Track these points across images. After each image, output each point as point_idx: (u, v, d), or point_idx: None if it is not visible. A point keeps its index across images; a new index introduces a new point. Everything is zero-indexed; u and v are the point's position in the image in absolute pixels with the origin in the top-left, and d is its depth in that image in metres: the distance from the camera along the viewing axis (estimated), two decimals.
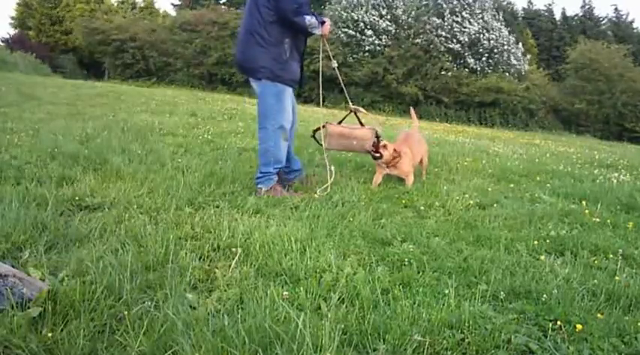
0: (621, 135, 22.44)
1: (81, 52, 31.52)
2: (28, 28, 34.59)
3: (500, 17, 25.29)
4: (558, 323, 1.84)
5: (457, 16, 23.59)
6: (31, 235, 2.34)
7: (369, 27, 23.66)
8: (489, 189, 4.22)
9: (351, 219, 3.01)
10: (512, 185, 4.52)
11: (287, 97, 3.64)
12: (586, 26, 35.24)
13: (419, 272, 2.27)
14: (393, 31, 24.07)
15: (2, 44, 31.75)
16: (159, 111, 9.04)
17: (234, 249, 2.34)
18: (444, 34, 23.34)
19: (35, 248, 2.21)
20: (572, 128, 23.24)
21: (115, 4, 36.57)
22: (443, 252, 2.56)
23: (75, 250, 2.24)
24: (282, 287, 2.04)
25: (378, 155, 3.95)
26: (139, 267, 2.09)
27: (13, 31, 35.63)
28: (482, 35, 23.43)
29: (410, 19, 24.76)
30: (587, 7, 37.19)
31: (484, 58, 23.61)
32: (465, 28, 23.29)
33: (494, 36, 23.57)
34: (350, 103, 4.03)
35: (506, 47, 23.84)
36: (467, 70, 23.54)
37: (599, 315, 1.92)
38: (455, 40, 23.28)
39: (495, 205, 3.65)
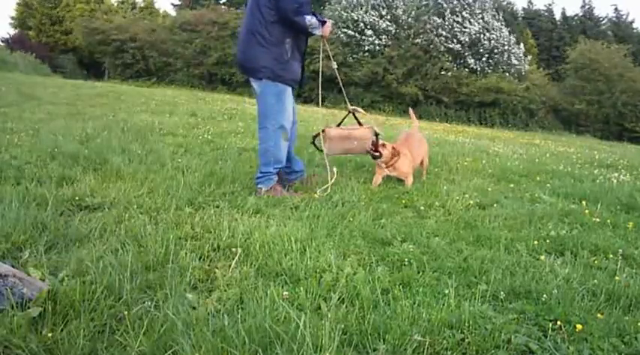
0: (621, 135, 22.45)
1: (81, 52, 31.52)
2: (28, 28, 34.59)
3: (500, 17, 25.30)
4: (558, 323, 1.84)
5: (457, 16, 23.60)
6: (31, 235, 2.34)
7: (369, 27, 23.66)
8: (489, 189, 4.22)
9: (351, 219, 3.01)
10: (512, 185, 4.52)
11: (287, 97, 3.64)
12: (586, 26, 35.24)
13: (419, 272, 2.27)
14: (393, 31, 24.08)
15: (2, 44, 31.77)
16: (159, 111, 9.04)
17: (234, 249, 2.34)
18: (444, 33, 23.35)
19: (35, 248, 2.21)
20: (572, 128, 23.25)
21: (115, 4, 36.58)
22: (443, 252, 2.56)
23: (75, 250, 2.24)
24: (282, 287, 2.04)
25: (377, 154, 3.95)
26: (139, 267, 2.09)
27: (13, 31, 35.69)
28: (482, 35, 23.43)
29: (410, 19, 24.76)
30: (587, 7, 37.23)
31: (484, 58, 23.62)
32: (465, 28, 23.30)
33: (494, 36, 23.58)
34: (348, 104, 4.02)
35: (506, 47, 23.84)
36: (467, 70, 23.55)
37: (599, 315, 1.92)
38: (455, 40, 23.29)
39: (495, 205, 3.65)
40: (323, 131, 3.87)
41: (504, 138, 12.33)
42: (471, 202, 3.64)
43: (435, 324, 1.78)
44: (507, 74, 23.81)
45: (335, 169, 3.82)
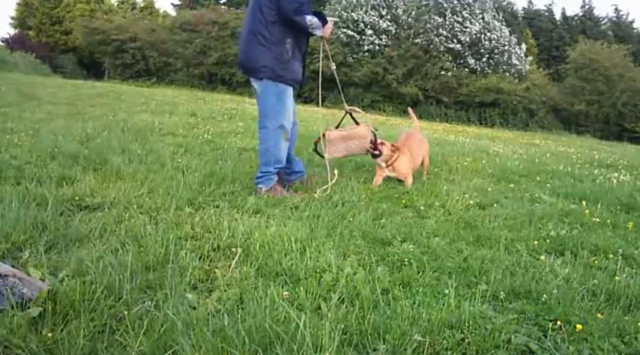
0: (621, 135, 22.46)
1: (81, 52, 31.53)
2: (28, 27, 34.58)
3: (501, 17, 25.31)
4: (558, 323, 1.84)
5: (458, 16, 23.61)
6: (31, 235, 2.34)
7: (369, 27, 23.67)
8: (489, 189, 4.22)
9: (351, 219, 3.01)
10: (512, 185, 4.52)
11: (288, 97, 3.64)
12: (586, 26, 35.25)
13: (419, 272, 2.27)
14: (394, 31, 24.08)
15: (2, 44, 31.77)
16: (159, 111, 9.04)
17: (234, 249, 2.34)
18: (444, 33, 23.36)
19: (35, 248, 2.21)
20: (572, 128, 23.26)
21: (116, 4, 36.58)
22: (443, 252, 2.56)
23: (75, 250, 2.24)
24: (282, 287, 2.04)
25: (377, 153, 3.95)
26: (139, 267, 2.09)
27: (13, 31, 35.69)
28: (483, 35, 23.44)
29: (410, 19, 24.77)
30: (587, 7, 37.23)
31: (484, 59, 23.63)
32: (465, 28, 23.31)
33: (494, 36, 23.59)
34: (345, 105, 4.03)
35: (506, 47, 23.85)
36: (467, 70, 23.56)
37: (599, 315, 1.92)
38: (455, 40, 23.30)
39: (495, 205, 3.65)
40: (323, 135, 3.87)
41: (504, 138, 12.33)
42: (471, 202, 3.64)
43: (435, 324, 1.78)
44: (507, 74, 23.82)
45: (336, 171, 3.82)
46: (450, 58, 23.51)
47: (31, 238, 2.31)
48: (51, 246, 2.28)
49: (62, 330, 1.61)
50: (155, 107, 9.85)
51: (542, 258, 2.57)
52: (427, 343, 1.66)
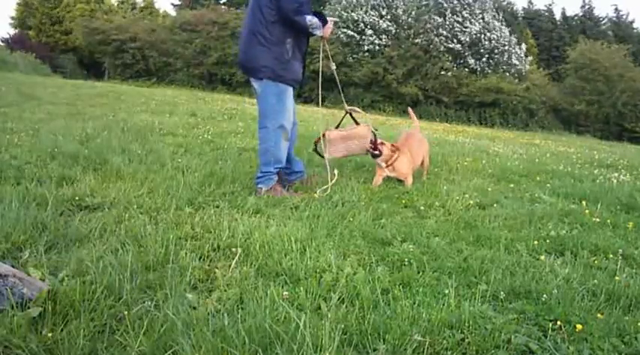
0: (621, 135, 22.47)
1: (81, 52, 31.53)
2: (29, 27, 34.59)
3: (501, 17, 25.32)
4: (558, 323, 1.84)
5: (458, 16, 23.62)
6: (31, 235, 2.34)
7: (369, 27, 23.67)
8: (489, 189, 4.22)
9: (351, 219, 3.01)
10: (512, 185, 4.52)
11: (288, 97, 3.64)
12: (586, 26, 35.26)
13: (419, 272, 2.27)
14: (394, 30, 24.08)
15: (2, 44, 31.77)
16: (159, 111, 9.04)
17: (234, 249, 2.34)
18: (444, 33, 23.36)
19: (35, 248, 2.21)
20: (572, 128, 23.26)
21: (116, 4, 36.59)
22: (443, 252, 2.56)
23: (75, 250, 2.24)
24: (282, 287, 2.04)
25: (377, 153, 3.95)
26: (139, 267, 2.08)
27: (13, 31, 35.69)
28: (483, 35, 23.45)
29: (410, 19, 24.77)
30: (587, 7, 37.24)
31: (484, 59, 23.63)
32: (465, 27, 23.32)
33: (494, 36, 23.59)
34: (345, 105, 4.03)
35: (506, 47, 23.86)
36: (467, 69, 23.57)
37: (599, 315, 1.92)
38: (456, 40, 23.30)
39: (495, 205, 3.65)
40: (323, 135, 3.87)
41: (504, 138, 12.33)
42: (471, 202, 3.64)
43: (435, 324, 1.78)
44: (507, 74, 23.83)
45: (336, 171, 3.82)
46: (450, 58, 23.52)
47: (31, 238, 2.31)
48: (51, 246, 2.28)
49: (62, 330, 1.60)
50: (155, 107, 9.85)
51: (542, 258, 2.57)
52: (427, 343, 1.66)
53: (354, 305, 1.90)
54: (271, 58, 3.48)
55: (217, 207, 3.13)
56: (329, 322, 1.71)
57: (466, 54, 23.62)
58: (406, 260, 2.38)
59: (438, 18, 23.84)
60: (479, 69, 23.58)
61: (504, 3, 34.66)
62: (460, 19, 23.58)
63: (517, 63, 24.17)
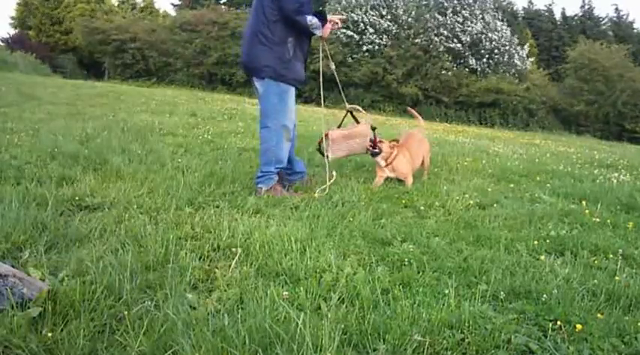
0: (621, 135, 22.47)
1: (81, 52, 31.53)
2: (29, 27, 34.58)
3: (500, 17, 25.31)
4: (558, 323, 1.84)
5: (459, 16, 23.62)
6: (31, 235, 2.34)
7: (369, 26, 23.67)
8: (489, 189, 4.22)
9: (351, 219, 3.01)
10: (512, 185, 4.52)
11: (290, 97, 3.64)
12: (586, 26, 35.27)
13: (419, 272, 2.27)
14: (394, 30, 24.08)
15: (2, 44, 31.76)
16: (159, 111, 9.04)
17: (234, 249, 2.34)
18: (445, 32, 23.35)
19: (35, 248, 2.21)
20: (572, 128, 23.26)
21: (116, 4, 36.60)
22: (443, 252, 2.56)
23: (75, 250, 2.24)
24: (282, 287, 2.04)
25: (377, 150, 3.96)
26: (139, 267, 2.08)
27: (13, 31, 35.69)
28: (484, 35, 23.44)
29: (410, 19, 24.77)
30: (586, 7, 37.25)
31: (485, 59, 23.63)
32: (466, 27, 23.32)
33: (495, 36, 23.59)
34: (346, 104, 4.03)
35: (507, 48, 23.86)
36: (467, 69, 23.56)
37: (599, 315, 1.92)
38: (456, 40, 23.30)
39: (495, 205, 3.65)
40: (326, 135, 3.87)
41: (504, 138, 12.33)
42: (471, 202, 3.64)
43: (435, 324, 1.78)
44: (508, 74, 23.82)
45: (334, 172, 3.82)
46: (450, 58, 23.51)
47: (31, 238, 2.31)
48: (51, 246, 2.28)
49: (62, 330, 1.60)
50: (155, 107, 9.85)
51: (542, 258, 2.57)
52: (427, 343, 1.66)
53: (354, 305, 1.90)
54: (273, 57, 3.49)
55: (217, 207, 3.13)
56: (329, 322, 1.71)
57: (466, 54, 23.61)
58: (406, 260, 2.38)
59: (439, 17, 23.83)
60: (479, 69, 23.57)
61: (504, 3, 34.66)
62: (460, 20, 23.58)
63: (519, 63, 24.17)
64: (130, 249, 2.23)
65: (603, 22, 36.90)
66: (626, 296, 2.12)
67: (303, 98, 20.03)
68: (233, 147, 5.47)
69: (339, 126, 4.05)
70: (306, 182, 3.99)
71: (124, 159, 4.17)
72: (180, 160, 4.43)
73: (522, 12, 37.51)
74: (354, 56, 23.73)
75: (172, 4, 41.91)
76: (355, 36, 23.65)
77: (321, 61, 3.82)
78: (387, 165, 4.05)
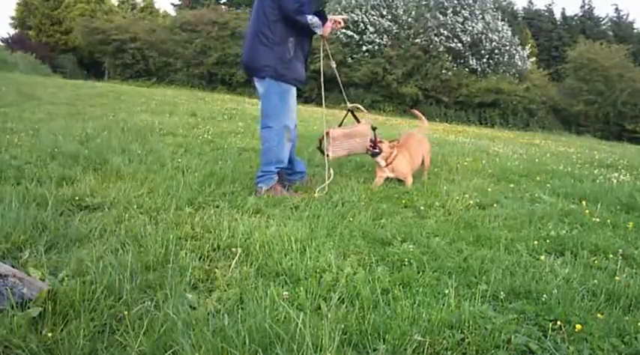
0: (621, 135, 22.46)
1: (81, 52, 31.52)
2: (29, 27, 34.59)
3: (499, 16, 25.31)
4: (558, 323, 1.84)
5: (459, 16, 23.62)
6: (31, 235, 2.34)
7: (369, 25, 23.67)
8: (489, 189, 4.22)
9: (351, 219, 3.01)
10: (512, 185, 4.52)
11: (291, 97, 3.64)
12: (586, 26, 35.27)
13: (419, 272, 2.27)
14: (394, 30, 24.08)
15: (2, 44, 31.76)
16: (159, 111, 9.04)
17: (234, 249, 2.34)
18: (446, 32, 23.35)
19: (35, 248, 2.21)
20: (572, 128, 23.26)
21: (116, 4, 36.60)
22: (443, 252, 2.56)
23: (75, 250, 2.24)
24: (282, 287, 2.04)
25: (377, 150, 3.96)
26: (139, 267, 2.09)
27: (13, 31, 35.69)
28: (484, 36, 23.44)
29: (410, 19, 24.77)
30: (586, 7, 37.25)
31: (485, 59, 23.62)
32: (467, 27, 23.32)
33: (496, 37, 23.59)
34: (347, 103, 4.03)
35: (507, 48, 23.85)
36: (467, 69, 23.56)
37: (599, 315, 1.92)
38: (456, 40, 23.29)
39: (495, 205, 3.65)
40: (327, 134, 3.87)
41: (504, 138, 12.33)
42: (471, 202, 3.64)
43: (435, 324, 1.78)
44: (508, 74, 23.82)
45: (332, 170, 3.81)
46: (450, 58, 23.51)
47: (31, 238, 2.31)
48: (51, 246, 2.28)
49: (62, 330, 1.60)
50: (155, 107, 9.86)
51: (542, 258, 2.57)
52: (427, 343, 1.66)
53: (354, 305, 1.90)
54: (273, 57, 3.50)
55: (217, 207, 3.13)
56: (329, 322, 1.71)
57: (467, 54, 23.61)
58: (406, 260, 2.38)
59: (440, 16, 23.81)
60: (479, 69, 23.57)
61: (504, 3, 34.67)
62: (461, 20, 23.57)
63: (520, 63, 24.17)
64: (130, 249, 2.23)
65: (603, 22, 36.91)
66: (626, 296, 2.12)
67: (303, 98, 20.03)
68: (233, 147, 5.47)
69: (339, 125, 4.05)
70: (306, 182, 3.99)
71: (124, 159, 4.17)
72: (180, 160, 4.43)
73: (522, 12, 37.51)
74: (354, 56, 23.73)
75: (172, 4, 41.95)
76: (355, 36, 23.65)
77: (321, 60, 3.83)
78: (386, 165, 4.05)
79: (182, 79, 26.42)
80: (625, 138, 21.73)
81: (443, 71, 23.12)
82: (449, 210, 3.42)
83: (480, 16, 24.04)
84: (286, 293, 1.94)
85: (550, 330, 1.82)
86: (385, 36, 23.88)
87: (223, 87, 25.68)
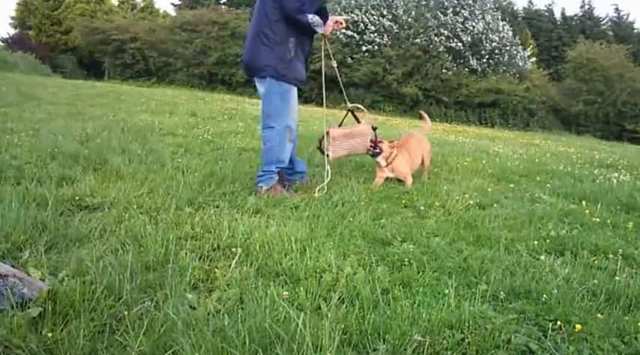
0: (621, 135, 22.47)
1: (81, 52, 31.53)
2: (29, 27, 34.60)
3: (499, 16, 25.31)
4: (558, 323, 1.84)
5: (459, 16, 23.62)
6: (31, 235, 2.34)
7: (370, 24, 23.67)
8: (489, 189, 4.22)
9: (351, 219, 3.01)
10: (512, 185, 4.52)
11: (293, 96, 3.64)
12: (586, 26, 35.26)
13: (419, 272, 2.27)
14: (394, 30, 24.08)
15: (2, 44, 31.77)
16: (159, 111, 9.04)
17: (234, 249, 2.34)
18: (446, 32, 23.35)
19: (35, 248, 2.21)
20: (573, 128, 23.26)
21: (116, 4, 36.60)
22: (443, 252, 2.56)
23: (75, 250, 2.24)
24: (282, 287, 2.04)
25: (377, 150, 3.96)
26: (139, 267, 2.08)
27: (13, 31, 35.70)
28: (484, 36, 23.44)
29: (410, 19, 24.78)
30: (586, 7, 37.24)
31: (485, 59, 23.62)
32: (467, 27, 23.32)
33: (497, 37, 23.59)
34: (348, 103, 4.03)
35: (507, 48, 23.85)
36: (467, 69, 23.56)
37: (599, 315, 1.92)
38: (457, 39, 23.29)
39: (495, 205, 3.65)
40: (327, 134, 3.87)
41: (504, 138, 12.34)
42: (471, 202, 3.64)
43: (435, 324, 1.78)
44: (508, 74, 23.82)
45: (328, 167, 3.81)
46: (450, 58, 23.51)
47: (31, 238, 2.31)
48: (51, 246, 2.28)
49: (62, 330, 1.61)
50: (155, 107, 9.86)
51: (542, 258, 2.57)
52: (427, 343, 1.66)
53: (354, 305, 1.90)
54: (274, 57, 3.50)
55: (217, 207, 3.13)
56: (329, 322, 1.71)
57: (467, 54, 23.61)
58: (406, 260, 2.38)
59: (441, 15, 23.81)
60: (479, 69, 23.57)
61: (504, 3, 34.67)
62: (461, 19, 23.57)
63: (521, 64, 24.18)
64: (130, 249, 2.23)
65: (603, 22, 36.90)
66: (626, 296, 2.12)
67: (303, 98, 20.00)
68: (233, 147, 5.47)
69: (340, 125, 4.05)
70: (306, 182, 3.99)
71: (124, 159, 4.17)
72: (180, 160, 4.43)
73: (522, 12, 37.50)
74: (354, 56, 23.73)
75: (172, 4, 41.94)
76: (355, 36, 23.66)
77: (322, 60, 3.83)
78: (386, 165, 4.05)
79: (182, 79, 26.43)
80: (625, 138, 21.73)
81: (443, 71, 23.12)
82: (449, 210, 3.42)
83: (481, 16, 24.04)
84: (286, 293, 1.94)
85: (550, 330, 1.82)
86: (385, 36, 23.88)
87: (223, 87, 25.68)
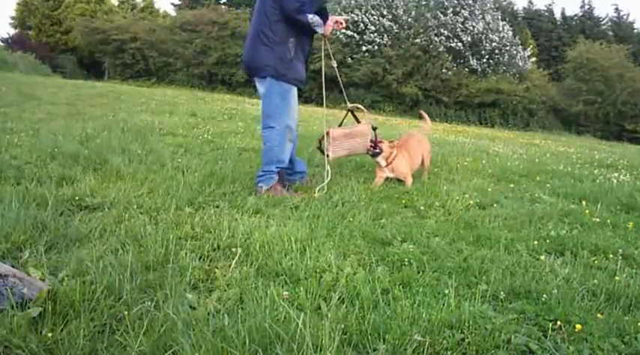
0: (621, 135, 22.47)
1: (81, 52, 31.53)
2: (29, 27, 34.60)
3: (499, 16, 25.32)
4: (558, 323, 1.84)
5: (460, 16, 23.63)
6: (31, 235, 2.34)
7: (370, 24, 23.68)
8: (489, 189, 4.22)
9: (351, 219, 3.01)
10: (512, 185, 4.52)
11: (293, 96, 3.65)
12: (586, 26, 35.26)
13: (419, 272, 2.27)
14: (395, 30, 24.09)
15: (2, 44, 31.77)
16: (159, 111, 9.04)
17: (234, 249, 2.34)
18: (446, 32, 23.35)
19: (35, 248, 2.21)
20: (573, 128, 23.27)
21: (116, 4, 36.60)
22: (443, 252, 2.56)
23: (75, 250, 2.24)
24: (282, 287, 2.04)
25: (377, 150, 3.96)
26: (139, 267, 2.08)
27: (13, 31, 35.70)
28: (484, 36, 23.44)
29: (410, 19, 24.78)
30: (586, 7, 37.25)
31: (485, 59, 23.62)
32: (467, 27, 23.32)
33: (497, 37, 23.59)
34: (348, 103, 4.03)
35: (507, 48, 23.85)
36: (467, 69, 23.56)
37: (599, 315, 1.92)
38: (457, 40, 23.30)
39: (495, 205, 3.65)
40: (327, 134, 3.88)
41: (504, 138, 12.34)
42: (471, 202, 3.64)
43: (435, 324, 1.78)
44: (508, 74, 23.82)
45: (328, 167, 3.81)
46: (450, 58, 23.51)
47: (31, 238, 2.31)
48: (51, 246, 2.28)
49: (62, 330, 1.61)
50: (155, 107, 9.86)
51: (542, 258, 2.57)
52: (427, 343, 1.66)
53: (354, 305, 1.90)
54: (274, 57, 3.50)
55: (217, 207, 3.13)
56: (329, 322, 1.71)
57: (467, 54, 23.61)
58: (406, 260, 2.38)
59: (442, 15, 23.81)
60: (479, 69, 23.57)
61: (504, 3, 34.67)
62: (461, 19, 23.58)
63: (521, 64, 24.18)
64: (130, 249, 2.23)
65: (603, 22, 36.90)
66: (626, 296, 2.12)
67: (303, 98, 20.00)
68: (233, 147, 5.47)
69: (340, 125, 4.05)
70: (306, 182, 3.99)
71: (124, 159, 4.17)
72: (180, 160, 4.43)
73: (522, 12, 37.50)
74: (354, 56, 23.74)
75: (172, 4, 41.93)
76: (355, 36, 23.66)
77: (322, 60, 3.83)
78: (386, 165, 4.05)
79: (182, 79, 26.44)
80: (625, 138, 21.73)
81: (443, 71, 23.13)
82: (449, 210, 3.42)
83: (481, 16, 24.04)
84: (286, 293, 1.94)
85: (550, 330, 1.82)
86: (385, 36, 23.89)
87: (223, 87, 25.69)
